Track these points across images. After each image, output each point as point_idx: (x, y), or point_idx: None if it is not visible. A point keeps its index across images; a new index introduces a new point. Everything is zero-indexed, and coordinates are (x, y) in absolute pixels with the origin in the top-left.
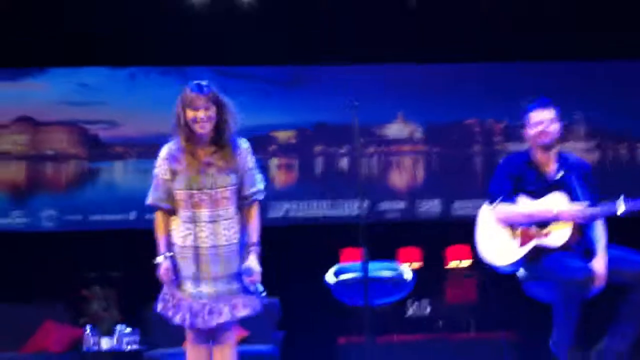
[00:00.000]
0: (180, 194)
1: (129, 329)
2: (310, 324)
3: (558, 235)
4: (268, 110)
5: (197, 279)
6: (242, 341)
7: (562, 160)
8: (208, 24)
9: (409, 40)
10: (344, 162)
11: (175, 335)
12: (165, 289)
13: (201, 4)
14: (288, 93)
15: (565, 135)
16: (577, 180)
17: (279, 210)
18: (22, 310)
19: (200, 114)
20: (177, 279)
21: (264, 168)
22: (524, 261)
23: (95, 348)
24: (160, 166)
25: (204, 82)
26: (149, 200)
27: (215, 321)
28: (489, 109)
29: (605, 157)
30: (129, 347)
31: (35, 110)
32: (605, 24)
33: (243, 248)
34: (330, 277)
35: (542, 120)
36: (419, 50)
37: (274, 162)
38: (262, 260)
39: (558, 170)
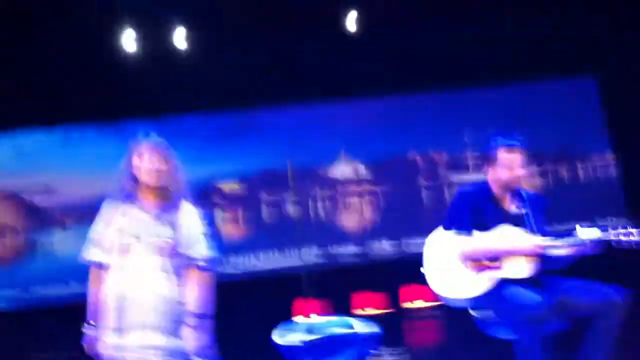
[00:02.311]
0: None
1: None
2: None
3: (518, 267)
4: (210, 161)
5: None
6: None
7: (519, 196)
8: (143, 76)
9: (342, 79)
10: (292, 209)
11: None
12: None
13: (134, 57)
14: (230, 142)
15: None
16: (535, 216)
17: (227, 265)
18: None
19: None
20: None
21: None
22: (481, 296)
23: None
24: None
25: None
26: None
27: None
28: (428, 141)
29: (548, 181)
30: None
31: None
32: (529, 47)
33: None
34: (277, 338)
35: (512, 164)
36: (353, 87)
37: (219, 214)
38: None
39: (517, 206)
